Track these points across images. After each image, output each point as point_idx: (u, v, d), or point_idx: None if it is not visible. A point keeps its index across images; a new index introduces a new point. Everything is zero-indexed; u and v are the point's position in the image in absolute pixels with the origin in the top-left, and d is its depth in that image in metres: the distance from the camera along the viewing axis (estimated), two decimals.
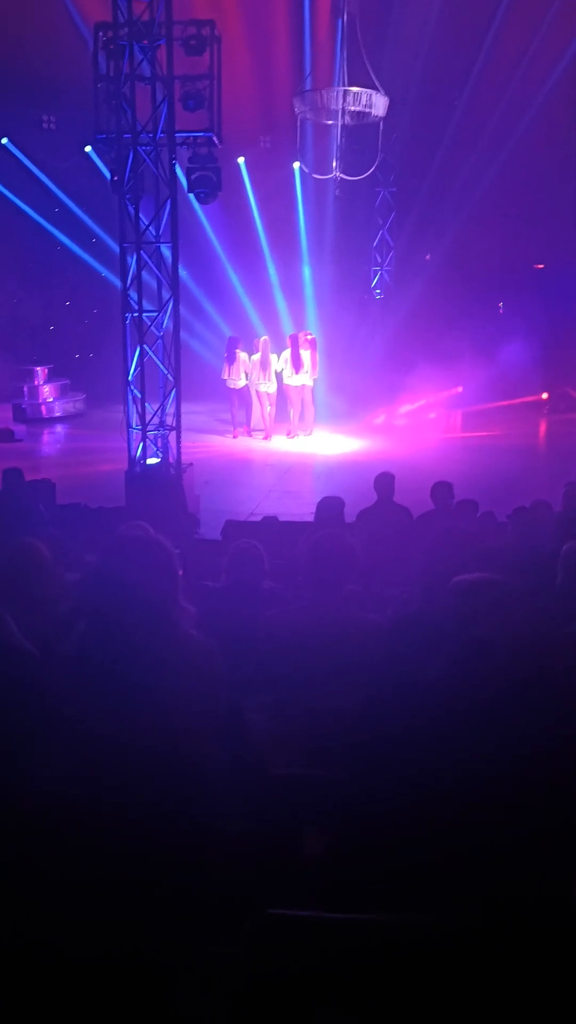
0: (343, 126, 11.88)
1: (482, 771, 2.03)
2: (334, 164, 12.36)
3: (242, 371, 14.94)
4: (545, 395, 17.22)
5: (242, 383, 14.98)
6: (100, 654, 2.08)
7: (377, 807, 2.17)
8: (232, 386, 15.04)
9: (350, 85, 11.48)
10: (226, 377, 14.99)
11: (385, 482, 7.74)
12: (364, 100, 11.50)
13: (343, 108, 11.51)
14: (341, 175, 12.58)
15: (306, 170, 13.38)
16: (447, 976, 1.71)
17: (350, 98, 11.42)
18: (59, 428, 16.63)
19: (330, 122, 12.21)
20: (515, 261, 18.07)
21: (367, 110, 11.67)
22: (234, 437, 15.10)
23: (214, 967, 1.80)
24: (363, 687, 2.95)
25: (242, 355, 14.97)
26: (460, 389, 15.83)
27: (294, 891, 2.13)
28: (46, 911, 1.79)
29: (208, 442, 14.57)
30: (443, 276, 17.13)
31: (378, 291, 18.22)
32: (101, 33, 9.80)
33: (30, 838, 1.84)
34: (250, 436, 15.18)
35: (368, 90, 11.50)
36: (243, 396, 15.16)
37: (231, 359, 14.94)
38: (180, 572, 2.42)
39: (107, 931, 1.78)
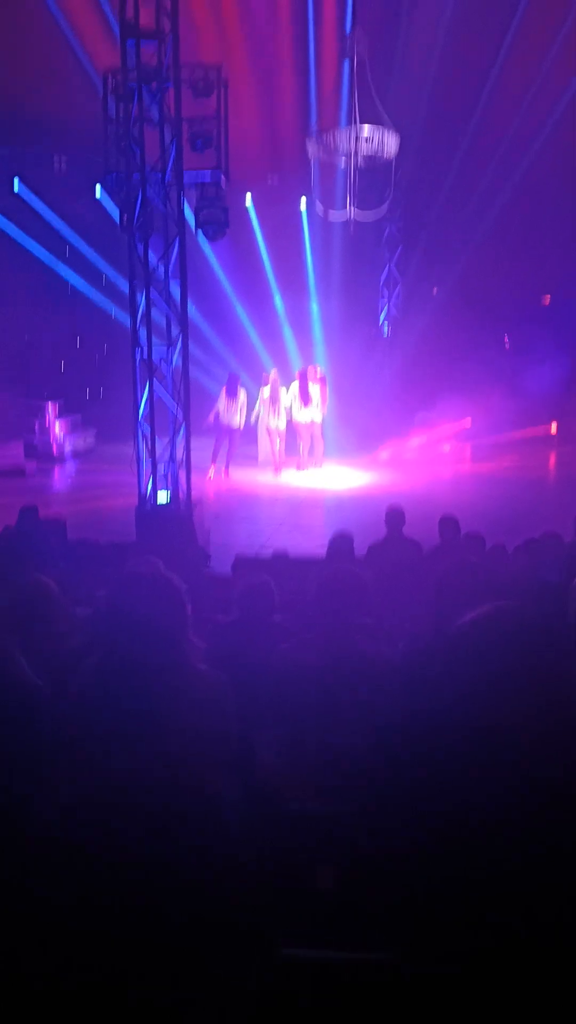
0: (355, 165, 12.02)
1: (496, 806, 2.01)
2: (348, 201, 12.50)
3: (241, 410, 14.72)
4: (554, 426, 17.25)
5: (238, 421, 14.71)
6: (109, 689, 2.09)
7: (390, 843, 2.15)
8: (226, 422, 14.62)
9: (362, 126, 11.63)
10: (222, 410, 14.64)
11: (395, 516, 7.74)
12: (377, 140, 11.66)
13: (356, 148, 11.65)
14: (356, 211, 12.70)
15: (321, 208, 13.50)
16: (460, 1017, 1.68)
17: (362, 138, 11.57)
18: (69, 464, 16.73)
19: (343, 160, 12.36)
20: (522, 294, 18.19)
21: (380, 149, 11.83)
22: (211, 477, 14.33)
23: (225, 1003, 1.78)
24: (375, 722, 2.94)
25: (243, 394, 14.83)
26: (469, 421, 15.87)
27: (306, 927, 2.11)
28: (56, 943, 1.78)
29: (217, 477, 14.59)
30: (450, 309, 17.26)
31: (386, 325, 18.35)
32: (110, 77, 9.98)
33: (41, 871, 1.83)
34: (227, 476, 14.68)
35: (380, 130, 11.64)
36: (234, 434, 14.78)
37: (234, 395, 14.75)
38: (189, 607, 2.42)
39: (118, 964, 1.76)
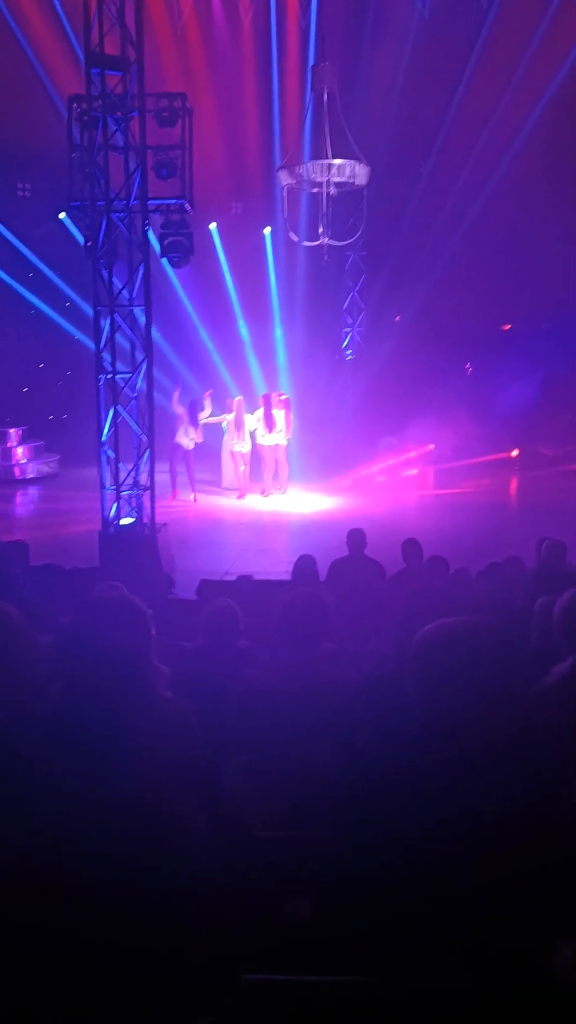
0: (327, 195, 12.20)
1: (463, 828, 2.02)
2: (320, 231, 12.66)
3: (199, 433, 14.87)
4: (515, 452, 17.47)
5: (191, 445, 14.86)
6: (73, 716, 2.07)
7: (358, 867, 2.15)
8: (187, 448, 14.82)
9: (334, 157, 11.81)
10: (193, 439, 14.82)
11: (357, 537, 7.81)
12: (348, 171, 11.85)
13: (328, 179, 11.82)
14: (330, 241, 12.85)
15: (295, 238, 13.65)
16: None
17: (335, 170, 11.75)
18: (33, 489, 16.61)
19: (315, 191, 12.54)
20: (483, 322, 18.45)
21: (351, 180, 12.02)
22: (191, 498, 14.78)
23: None
24: (341, 746, 2.94)
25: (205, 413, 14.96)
26: (432, 447, 16.02)
27: (276, 955, 2.09)
28: (18, 975, 1.75)
29: (183, 501, 14.58)
30: (413, 336, 17.45)
31: (349, 352, 18.50)
32: (75, 105, 10.04)
33: (4, 899, 1.81)
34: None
35: (352, 161, 11.82)
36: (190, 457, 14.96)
37: (195, 422, 14.82)
38: (153, 632, 2.41)
39: (79, 995, 1.74)
